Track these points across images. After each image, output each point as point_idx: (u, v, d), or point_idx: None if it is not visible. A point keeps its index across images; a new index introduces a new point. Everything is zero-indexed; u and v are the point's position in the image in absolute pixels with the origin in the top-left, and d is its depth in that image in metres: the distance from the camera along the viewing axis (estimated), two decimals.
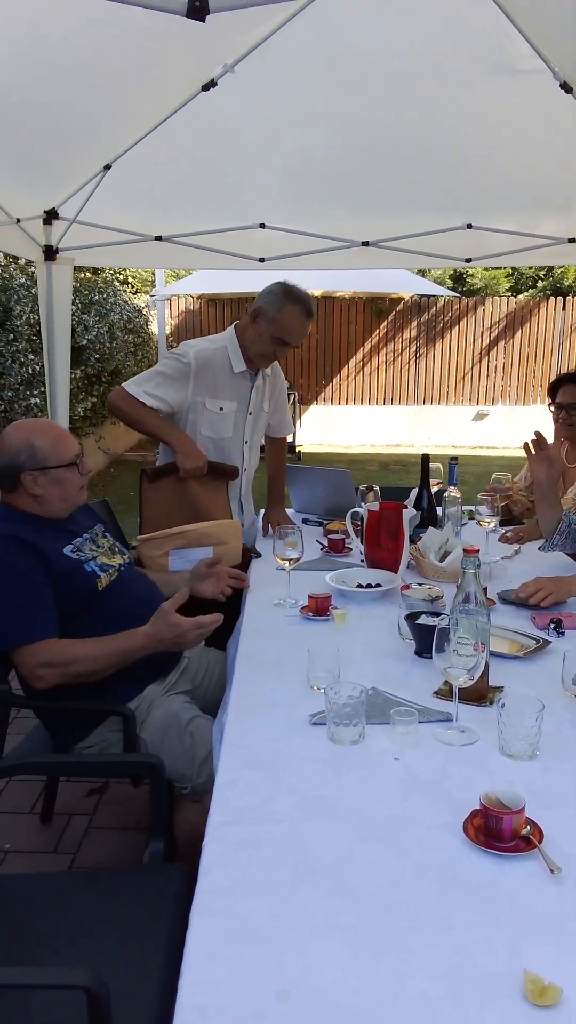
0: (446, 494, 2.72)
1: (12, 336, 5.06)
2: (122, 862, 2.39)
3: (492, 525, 2.66)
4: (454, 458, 3.03)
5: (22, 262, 3.88)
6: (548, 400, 3.06)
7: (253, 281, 8.91)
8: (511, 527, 2.99)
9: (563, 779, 1.35)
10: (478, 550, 1.66)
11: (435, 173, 3.47)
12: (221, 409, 2.73)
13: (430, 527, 2.72)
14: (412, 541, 2.70)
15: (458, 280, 12.96)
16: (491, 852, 1.14)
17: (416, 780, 1.35)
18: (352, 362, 12.21)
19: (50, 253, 3.85)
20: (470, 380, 12.15)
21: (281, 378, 3.04)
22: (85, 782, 2.78)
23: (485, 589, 2.21)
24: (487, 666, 1.64)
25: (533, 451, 2.44)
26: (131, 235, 3.85)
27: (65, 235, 3.77)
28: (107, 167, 3.39)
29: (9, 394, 4.94)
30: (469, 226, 3.80)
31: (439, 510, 2.88)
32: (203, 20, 1.06)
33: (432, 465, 3.09)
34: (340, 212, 3.86)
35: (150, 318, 10.33)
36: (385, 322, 12.08)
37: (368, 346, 12.18)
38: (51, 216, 3.77)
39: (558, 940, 0.98)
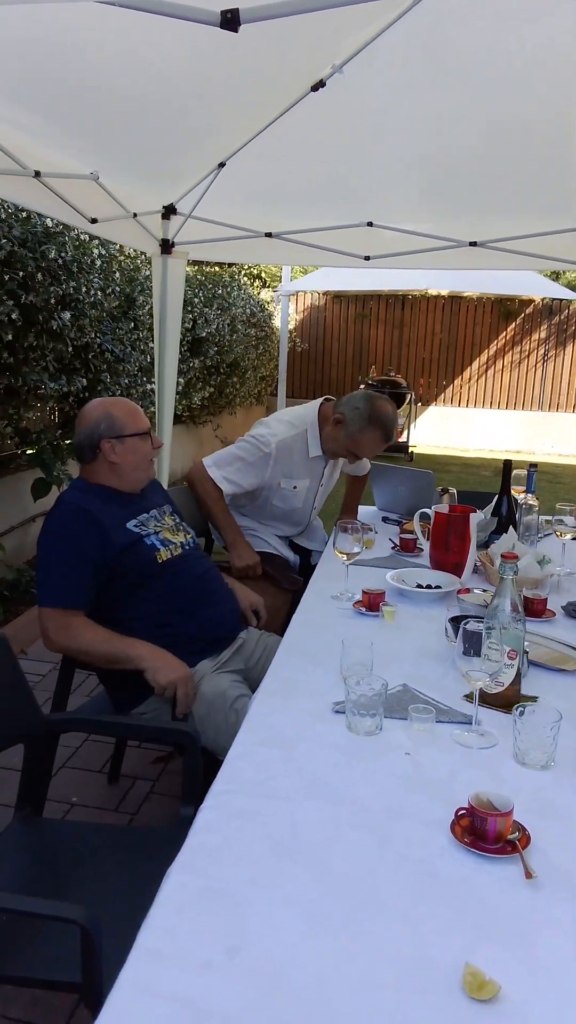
0: (522, 501, 2.67)
1: (133, 324, 5.32)
2: (173, 826, 2.51)
3: (570, 536, 2.58)
4: (533, 465, 2.96)
5: (149, 255, 4.08)
6: None
7: (379, 278, 8.98)
8: None
9: (571, 793, 1.33)
10: (516, 556, 1.64)
11: (547, 173, 3.38)
12: (295, 488, 2.89)
13: (504, 534, 2.68)
14: (484, 547, 2.68)
15: None
16: (473, 851, 1.15)
17: (422, 777, 1.37)
18: (476, 364, 11.96)
19: (166, 247, 4.03)
20: None
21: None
22: (154, 750, 2.93)
23: (544, 600, 2.19)
24: (519, 674, 1.63)
25: None
26: (242, 231, 3.97)
27: (181, 230, 3.94)
28: (221, 165, 3.52)
29: (127, 380, 5.19)
30: None
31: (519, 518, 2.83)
32: (235, 31, 1.12)
33: (515, 472, 3.04)
34: (448, 212, 3.83)
35: (274, 313, 10.51)
36: (513, 324, 11.74)
37: (493, 348, 11.88)
38: (169, 211, 3.95)
39: (512, 943, 0.99)
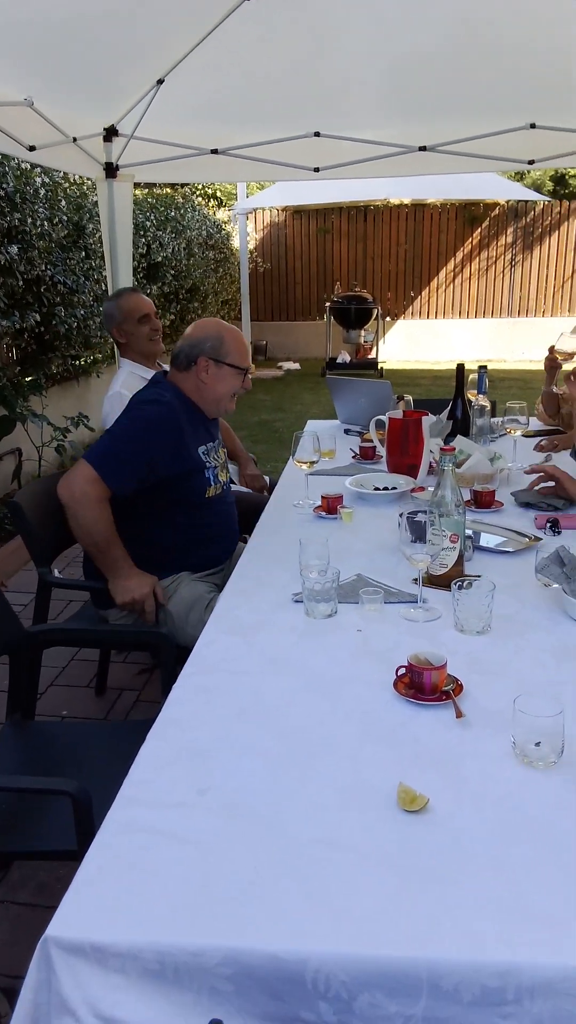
0: (474, 403, 2.78)
1: (85, 254, 5.26)
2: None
3: (519, 433, 2.71)
4: (483, 367, 3.06)
5: (94, 180, 4.04)
6: None
7: (338, 190, 8.79)
8: (546, 436, 3.02)
9: (503, 651, 1.49)
10: (454, 449, 1.77)
11: (496, 74, 3.36)
12: None
13: (459, 435, 2.80)
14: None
15: (559, 182, 12.21)
16: (412, 701, 1.31)
17: (370, 648, 1.53)
18: (443, 273, 11.85)
19: (111, 170, 3.98)
20: (570, 289, 11.58)
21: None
22: (138, 663, 3.11)
23: (493, 492, 2.33)
24: (461, 556, 1.78)
25: (573, 379, 2.46)
26: (188, 149, 3.92)
27: (124, 152, 3.89)
28: (160, 82, 3.48)
29: (82, 312, 5.18)
30: (532, 126, 3.67)
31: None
32: None
33: (471, 376, 3.15)
34: (396, 118, 3.80)
35: (232, 233, 10.31)
36: (479, 230, 11.60)
37: (460, 255, 11.77)
38: (111, 133, 3.89)
39: (442, 768, 1.15)
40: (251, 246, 11.41)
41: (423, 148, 3.83)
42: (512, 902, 0.91)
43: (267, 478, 3.29)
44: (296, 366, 11.01)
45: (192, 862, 0.98)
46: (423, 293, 11.96)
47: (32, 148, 3.27)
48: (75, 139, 3.59)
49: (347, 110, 3.71)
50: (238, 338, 2.25)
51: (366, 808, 1.08)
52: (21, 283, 4.34)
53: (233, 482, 3.26)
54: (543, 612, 1.65)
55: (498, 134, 3.67)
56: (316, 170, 4.05)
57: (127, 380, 2.99)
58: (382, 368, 10.18)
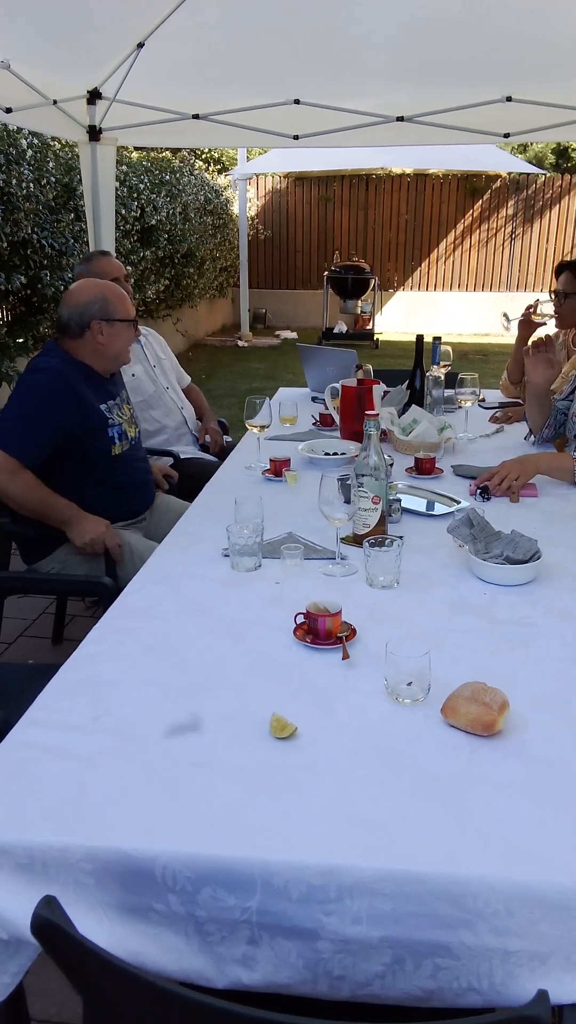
0: (428, 374, 2.85)
1: (74, 216, 5.29)
2: None
3: (470, 403, 2.78)
4: (437, 338, 3.13)
5: (75, 143, 4.07)
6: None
7: (337, 158, 8.74)
8: (502, 407, 3.09)
9: (403, 603, 1.59)
10: (377, 414, 1.85)
11: (472, 44, 3.37)
12: (133, 375, 3.10)
13: (414, 405, 2.87)
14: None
15: (562, 155, 12.06)
16: (306, 645, 1.41)
17: (284, 598, 1.62)
18: (443, 244, 11.79)
19: (94, 133, 4.01)
20: None
21: (156, 335, 3.43)
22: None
23: (433, 460, 2.42)
24: (383, 517, 1.86)
25: (532, 354, 2.52)
26: (170, 113, 3.94)
27: (107, 115, 3.91)
28: (140, 45, 3.49)
29: (69, 275, 5.21)
30: (509, 99, 3.68)
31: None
32: None
33: (442, 348, 3.22)
34: (375, 87, 3.81)
35: (232, 199, 10.26)
36: (480, 201, 11.52)
37: (460, 227, 11.69)
38: (94, 96, 3.92)
39: (319, 703, 1.25)
40: (252, 212, 11.35)
41: (400, 119, 3.85)
42: (344, 811, 1.01)
43: (231, 439, 3.38)
44: (293, 335, 11.01)
45: (71, 774, 1.09)
46: (423, 264, 11.91)
47: (8, 110, 3.32)
48: (55, 101, 3.62)
49: (326, 78, 3.72)
50: (118, 292, 2.36)
51: (240, 733, 1.18)
52: (6, 245, 4.38)
53: (203, 446, 3.36)
54: (452, 570, 1.74)
55: (474, 106, 3.69)
56: (295, 138, 4.08)
57: None
58: (378, 339, 10.18)
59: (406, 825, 1.00)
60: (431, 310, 11.76)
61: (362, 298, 10.38)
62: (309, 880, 0.94)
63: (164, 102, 3.90)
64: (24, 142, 4.51)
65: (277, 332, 11.13)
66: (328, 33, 3.42)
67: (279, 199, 11.85)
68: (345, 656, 1.37)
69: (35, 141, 4.68)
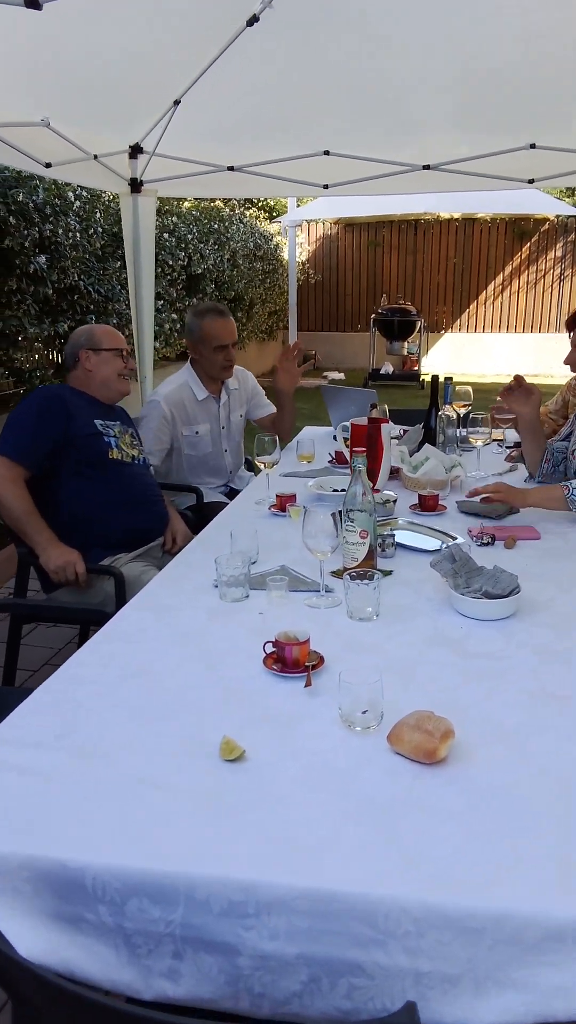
0: (440, 413, 2.88)
1: (121, 263, 5.53)
2: None
3: (481, 442, 2.80)
4: (448, 378, 3.16)
5: (117, 195, 4.30)
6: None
7: (384, 204, 8.91)
8: (517, 446, 3.09)
9: (380, 635, 1.61)
10: (365, 450, 1.90)
11: (495, 92, 3.46)
12: (198, 433, 3.20)
13: (426, 444, 2.91)
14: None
15: None
16: (273, 673, 1.45)
17: (265, 628, 1.66)
18: (491, 286, 11.85)
19: (135, 186, 4.22)
20: None
21: (248, 378, 3.44)
22: None
23: (436, 496, 2.44)
24: (371, 550, 1.90)
25: (509, 396, 2.54)
26: (206, 165, 4.13)
27: (147, 168, 4.12)
28: (176, 102, 3.68)
29: (115, 320, 5.44)
30: (532, 146, 3.75)
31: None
32: (39, 8, 1.33)
33: (462, 388, 3.27)
34: (401, 138, 3.93)
35: (282, 245, 10.54)
36: (528, 244, 11.57)
37: (508, 270, 11.74)
38: (136, 151, 4.13)
39: (276, 727, 1.29)
40: (303, 257, 11.63)
41: (427, 167, 3.95)
42: (275, 833, 1.04)
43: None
44: (340, 376, 11.14)
45: (25, 788, 1.14)
46: (471, 306, 11.97)
47: (48, 165, 3.52)
48: (96, 156, 3.83)
49: (350, 130, 3.85)
50: (107, 329, 2.60)
51: (195, 756, 1.22)
52: (52, 292, 4.61)
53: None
54: (434, 604, 1.76)
55: (499, 154, 3.77)
56: (325, 187, 4.21)
57: (172, 393, 3.12)
58: (423, 380, 10.23)
59: (334, 847, 1.02)
60: (478, 351, 11.79)
61: (408, 340, 10.48)
62: (230, 895, 0.96)
63: (200, 155, 4.09)
64: (71, 194, 4.76)
65: (325, 373, 11.29)
66: (355, 87, 3.56)
67: (329, 244, 12.12)
68: (308, 684, 1.40)
69: (83, 193, 4.94)
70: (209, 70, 3.44)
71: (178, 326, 6.84)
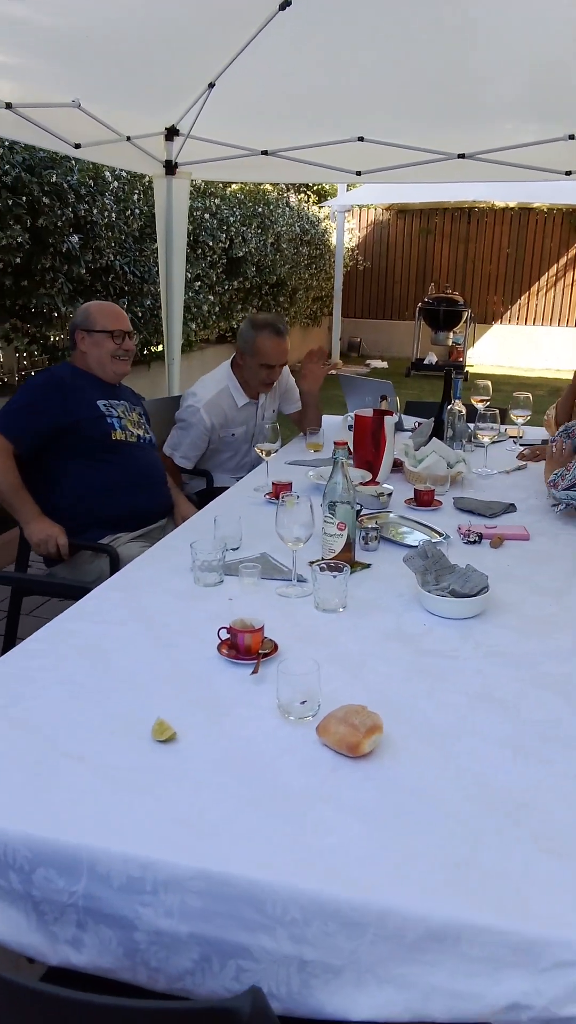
0: (448, 407, 2.85)
1: (156, 245, 5.58)
2: None
3: (488, 439, 2.76)
4: (457, 371, 3.11)
5: (150, 177, 4.32)
6: None
7: (440, 191, 8.75)
8: (530, 446, 3.05)
9: (340, 627, 1.62)
10: (345, 443, 1.90)
11: (535, 82, 3.39)
12: (233, 435, 3.20)
13: (434, 438, 2.88)
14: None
15: None
16: (224, 658, 1.47)
17: (232, 613, 1.67)
18: (544, 279, 11.59)
19: (170, 168, 4.24)
20: None
21: (283, 374, 3.33)
22: None
23: (432, 491, 2.42)
24: (349, 542, 1.90)
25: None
26: (240, 149, 4.13)
27: (181, 151, 4.14)
28: (211, 85, 3.69)
29: (149, 301, 5.49)
30: (571, 137, 3.65)
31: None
32: None
33: (481, 382, 3.24)
34: (437, 125, 3.86)
35: (330, 230, 10.46)
36: None
37: (563, 261, 11.46)
38: (172, 133, 4.15)
39: (214, 711, 1.31)
40: (353, 243, 11.53)
41: (462, 156, 3.88)
42: (180, 812, 1.06)
43: None
44: (384, 364, 11.06)
45: None
46: (522, 298, 11.73)
47: (77, 146, 3.56)
48: (129, 138, 3.86)
49: (385, 117, 3.81)
50: (103, 308, 2.56)
51: (128, 735, 1.25)
52: (85, 271, 4.67)
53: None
54: (404, 601, 1.75)
55: (536, 144, 3.68)
56: (358, 173, 4.17)
57: (213, 401, 3.06)
58: (467, 372, 10.08)
59: (235, 831, 1.04)
60: (527, 344, 11.56)
61: (454, 330, 10.32)
62: (129, 871, 0.99)
63: (235, 138, 4.09)
64: (109, 174, 4.81)
65: (368, 361, 11.21)
66: (390, 73, 3.51)
67: (380, 230, 11.99)
68: (255, 671, 1.42)
69: (123, 174, 4.98)
70: (243, 53, 3.44)
71: (216, 308, 6.87)
